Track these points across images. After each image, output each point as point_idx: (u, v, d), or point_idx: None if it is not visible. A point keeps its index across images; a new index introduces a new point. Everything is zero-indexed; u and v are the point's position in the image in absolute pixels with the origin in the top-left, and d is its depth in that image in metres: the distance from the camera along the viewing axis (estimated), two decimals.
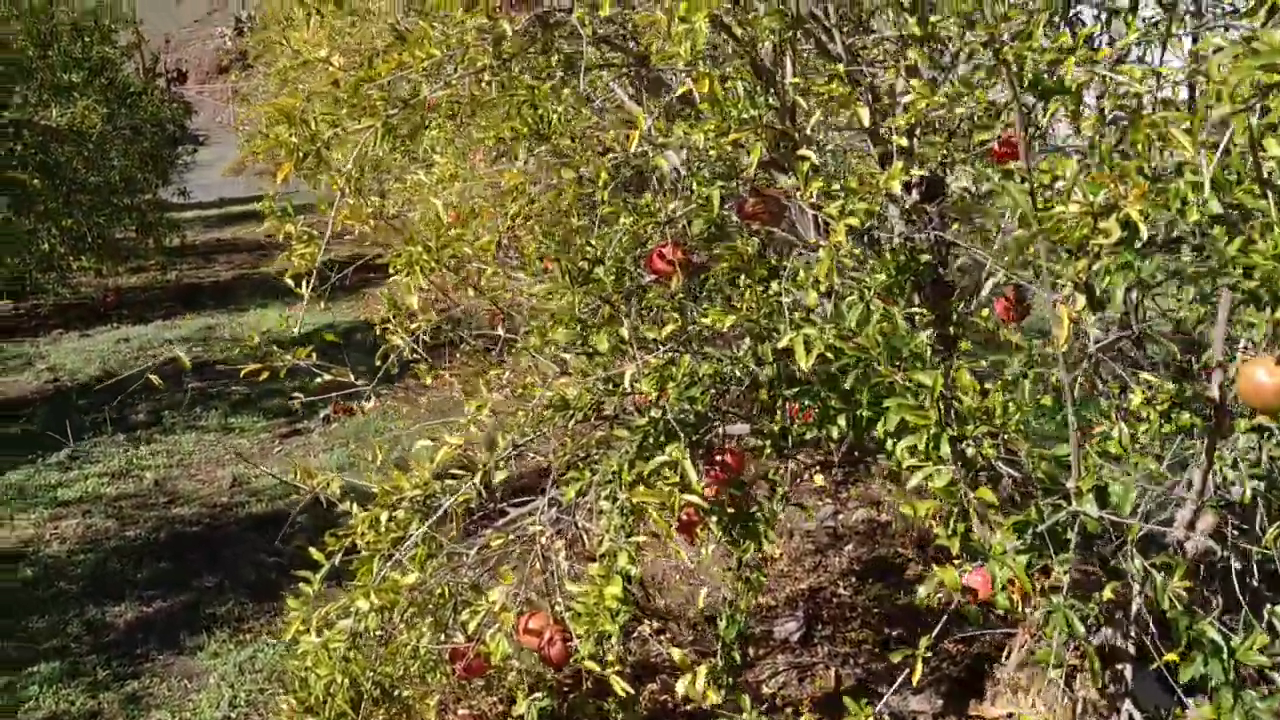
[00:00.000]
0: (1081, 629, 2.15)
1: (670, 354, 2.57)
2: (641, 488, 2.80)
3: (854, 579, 4.47)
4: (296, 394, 4.12)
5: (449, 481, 3.28)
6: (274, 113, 2.83)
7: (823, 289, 2.30)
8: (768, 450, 3.11)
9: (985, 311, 3.07)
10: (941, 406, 2.17)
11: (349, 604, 3.12)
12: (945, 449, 2.16)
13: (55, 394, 8.08)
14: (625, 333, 2.54)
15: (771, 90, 2.72)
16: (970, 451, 2.23)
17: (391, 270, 2.88)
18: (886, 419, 2.24)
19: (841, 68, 2.62)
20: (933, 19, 3.09)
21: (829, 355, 2.41)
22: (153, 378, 3.27)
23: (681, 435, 2.58)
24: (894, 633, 4.06)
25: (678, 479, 2.48)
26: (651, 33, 2.90)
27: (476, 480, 3.07)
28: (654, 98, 3.15)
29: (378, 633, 3.17)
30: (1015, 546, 2.23)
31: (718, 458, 2.80)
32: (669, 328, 2.51)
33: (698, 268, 2.99)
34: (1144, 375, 2.36)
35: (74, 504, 5.86)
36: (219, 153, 23.14)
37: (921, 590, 2.26)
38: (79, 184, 8.69)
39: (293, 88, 11.22)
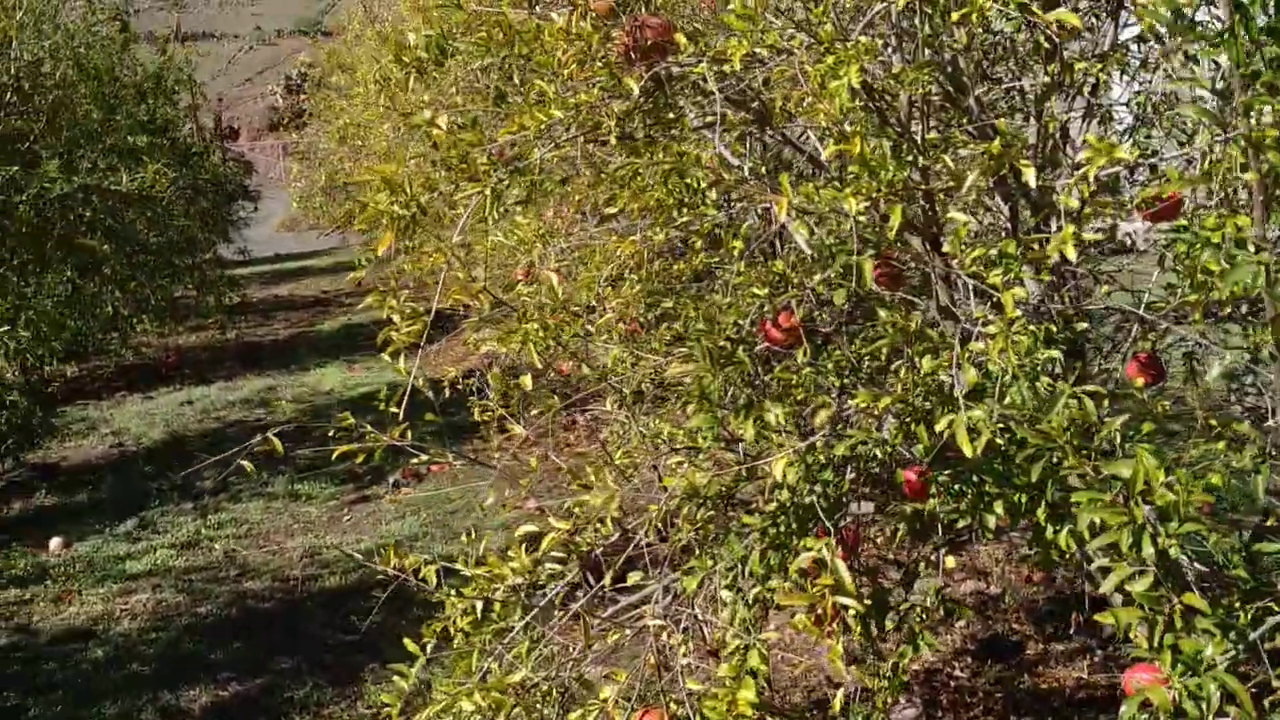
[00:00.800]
0: None
1: (823, 439, 2.34)
2: (784, 584, 2.57)
3: (970, 659, 4.18)
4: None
5: (552, 566, 3.04)
6: (376, 180, 2.64)
7: (996, 368, 2.07)
8: (901, 533, 2.88)
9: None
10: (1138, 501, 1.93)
11: (449, 703, 2.88)
12: (1148, 549, 1.91)
13: (120, 459, 7.97)
14: (773, 419, 2.31)
15: (910, 149, 2.51)
16: (1174, 552, 1.97)
17: (503, 349, 2.66)
18: (1078, 517, 1.99)
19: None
20: (1078, 64, 2.88)
21: (999, 441, 2.18)
22: (245, 463, 3.06)
23: (828, 526, 2.34)
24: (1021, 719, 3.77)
25: (830, 580, 2.24)
26: (779, 90, 2.71)
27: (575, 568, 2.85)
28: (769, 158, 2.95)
29: None
30: (1227, 657, 1.97)
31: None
32: (824, 413, 2.28)
33: (818, 337, 2.78)
34: None
35: (143, 577, 5.69)
36: (270, 208, 23.29)
37: (1124, 711, 2.00)
38: (142, 245, 8.63)
39: (352, 144, 11.21)
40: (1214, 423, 2.22)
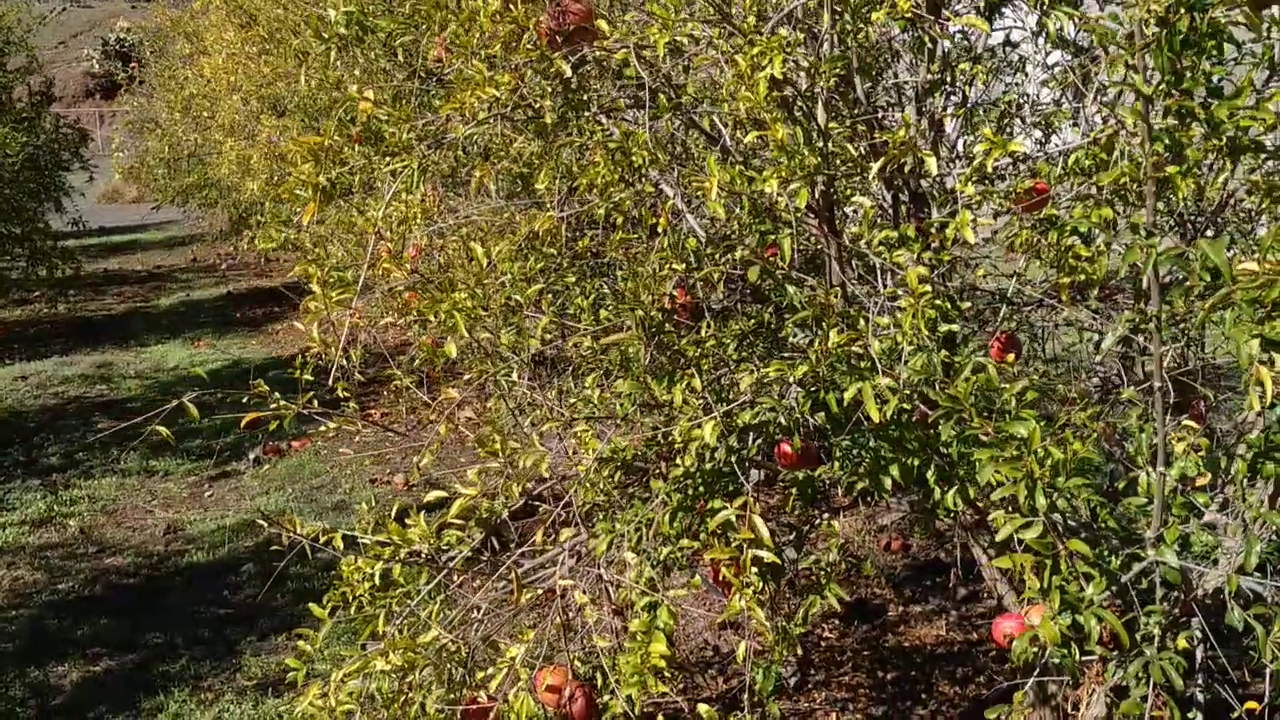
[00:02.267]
0: (1180, 682, 2.15)
1: (744, 405, 2.51)
2: (695, 543, 2.74)
3: (838, 621, 4.44)
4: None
5: (454, 533, 3.14)
6: (301, 150, 2.69)
7: (909, 340, 2.27)
8: (793, 499, 3.09)
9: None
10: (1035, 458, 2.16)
11: (363, 665, 2.95)
12: (1041, 501, 2.14)
13: None
14: (698, 384, 2.47)
15: (819, 136, 2.70)
16: (1061, 503, 2.22)
17: (431, 317, 2.72)
18: (979, 471, 2.22)
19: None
20: (960, 65, 3.12)
21: (905, 406, 2.39)
22: (162, 429, 3.03)
23: (745, 486, 2.52)
24: (888, 675, 4.04)
25: (749, 534, 2.41)
26: (691, 78, 2.86)
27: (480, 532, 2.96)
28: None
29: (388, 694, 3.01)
30: (1104, 597, 2.22)
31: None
32: (746, 379, 2.45)
33: (705, 313, 2.94)
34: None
35: None
36: (85, 179, 22.33)
37: (1017, 646, 2.23)
38: None
39: (197, 115, 10.90)
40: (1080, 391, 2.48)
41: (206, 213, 13.86)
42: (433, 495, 3.17)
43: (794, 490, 3.07)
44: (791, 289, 2.68)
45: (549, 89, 2.60)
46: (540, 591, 3.08)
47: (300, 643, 3.05)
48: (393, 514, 3.05)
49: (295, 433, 6.78)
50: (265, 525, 4.81)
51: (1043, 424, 2.25)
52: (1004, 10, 3.54)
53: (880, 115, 3.24)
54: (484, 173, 2.91)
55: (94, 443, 7.20)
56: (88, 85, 38.41)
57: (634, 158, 2.24)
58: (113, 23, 40.68)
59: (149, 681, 4.32)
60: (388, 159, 3.12)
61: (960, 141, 3.50)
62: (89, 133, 12.30)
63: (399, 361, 5.38)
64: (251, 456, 6.81)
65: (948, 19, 2.85)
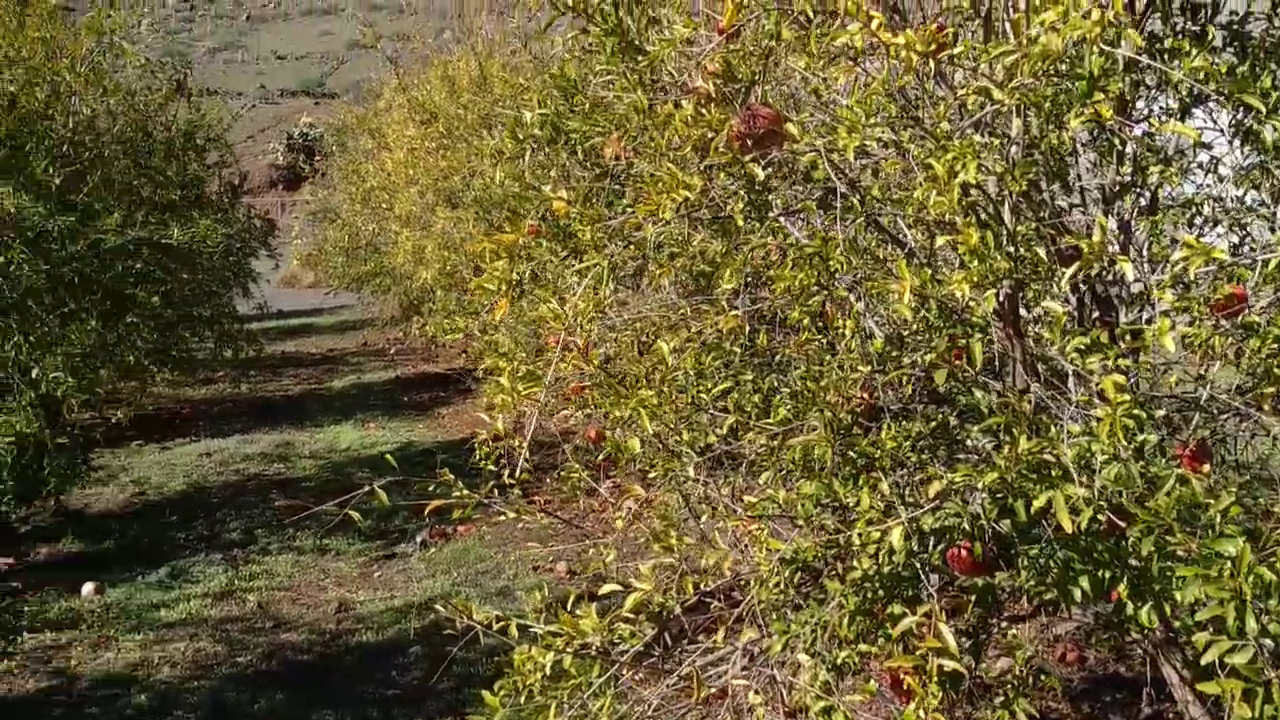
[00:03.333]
0: None
1: (931, 510, 2.47)
2: (874, 648, 2.69)
3: None
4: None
5: (625, 626, 3.14)
6: (495, 247, 2.79)
7: (1105, 449, 2.21)
8: (970, 605, 3.01)
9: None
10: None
11: None
12: (1252, 624, 2.04)
13: (143, 508, 8.02)
14: (885, 488, 2.45)
15: (1009, 240, 2.67)
16: (1273, 628, 2.11)
17: (615, 412, 2.77)
18: (1179, 589, 2.13)
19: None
20: (1153, 167, 3.07)
21: (1099, 519, 2.32)
22: (354, 514, 3.16)
23: (931, 592, 2.47)
24: None
25: (935, 642, 2.36)
26: (877, 182, 2.89)
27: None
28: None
29: None
30: None
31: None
32: (935, 485, 2.42)
33: (883, 414, 2.91)
34: None
35: (179, 625, 5.74)
36: (266, 265, 23.51)
37: None
38: (175, 298, 8.76)
39: (376, 206, 11.41)
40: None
41: (379, 299, 14.42)
42: (607, 588, 3.19)
43: (973, 596, 3.00)
44: (979, 393, 2.64)
45: (738, 191, 2.65)
46: (712, 690, 3.06)
47: None
48: (566, 604, 3.08)
49: (461, 517, 6.91)
50: (432, 609, 4.91)
51: (1248, 542, 2.16)
52: (1194, 110, 3.47)
53: (1063, 218, 3.21)
54: (665, 270, 2.98)
55: (272, 520, 7.50)
56: (271, 176, 40.51)
57: (831, 262, 2.26)
58: (297, 118, 43.06)
59: None
60: (572, 256, 3.22)
61: (1147, 244, 3.43)
62: (276, 223, 12.98)
63: (563, 451, 5.47)
64: (419, 540, 6.98)
65: (1143, 120, 2.81)
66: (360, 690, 5.00)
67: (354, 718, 4.74)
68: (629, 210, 2.98)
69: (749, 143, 2.73)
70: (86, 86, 6.57)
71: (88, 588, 6.21)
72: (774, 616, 3.04)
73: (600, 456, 3.33)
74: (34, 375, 6.15)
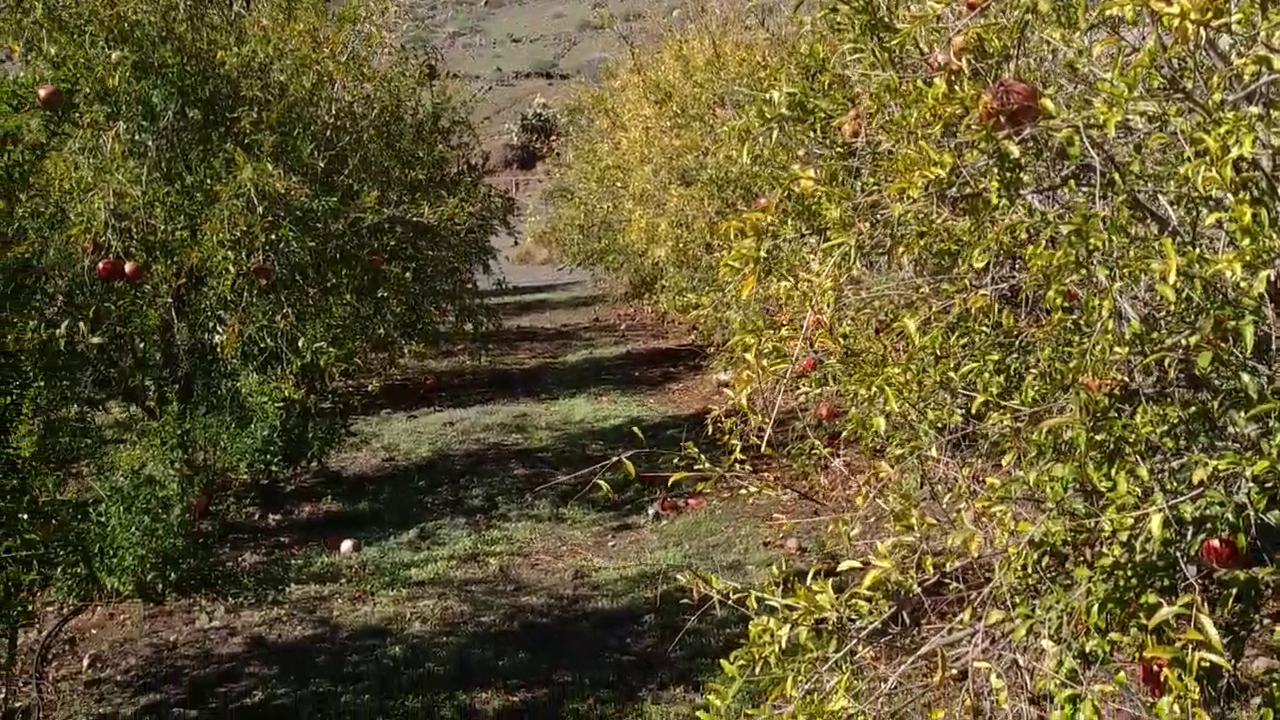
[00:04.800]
0: None
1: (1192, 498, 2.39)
2: (1125, 638, 2.61)
3: None
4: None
5: (863, 603, 3.13)
6: (743, 225, 2.83)
7: None
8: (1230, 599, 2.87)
9: None
10: None
11: None
12: None
13: (394, 473, 8.50)
14: (1144, 473, 2.38)
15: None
16: None
17: (862, 390, 2.78)
18: None
19: None
20: None
21: None
22: (601, 482, 3.28)
23: (1195, 584, 2.39)
24: None
25: (1196, 635, 2.27)
26: (1139, 157, 2.78)
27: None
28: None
29: None
30: None
31: None
32: (1199, 472, 2.33)
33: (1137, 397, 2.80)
34: None
35: (428, 584, 6.08)
36: (502, 242, 24.32)
37: None
38: (423, 273, 9.21)
39: (611, 184, 11.65)
40: None
41: (611, 276, 14.73)
42: (845, 565, 3.20)
43: (1232, 590, 2.87)
44: (1247, 377, 2.52)
45: (990, 168, 2.61)
46: (952, 671, 3.04)
47: (710, 697, 3.16)
48: (800, 579, 3.12)
49: (692, 491, 7.04)
50: (665, 579, 4.99)
51: None
52: None
53: None
54: (911, 247, 2.95)
55: (512, 488, 7.82)
56: (506, 156, 41.77)
57: (1091, 240, 2.21)
58: (531, 99, 44.25)
59: (559, 716, 4.61)
60: (815, 235, 3.23)
61: None
62: (516, 201, 13.44)
63: (793, 428, 5.48)
64: (651, 512, 7.14)
65: None
66: (596, 654, 5.17)
67: (591, 680, 4.92)
68: (876, 189, 2.97)
69: (1002, 119, 2.68)
70: (347, 74, 6.98)
71: (346, 545, 6.64)
72: (1017, 600, 2.99)
73: (831, 434, 3.35)
74: (299, 345, 6.60)
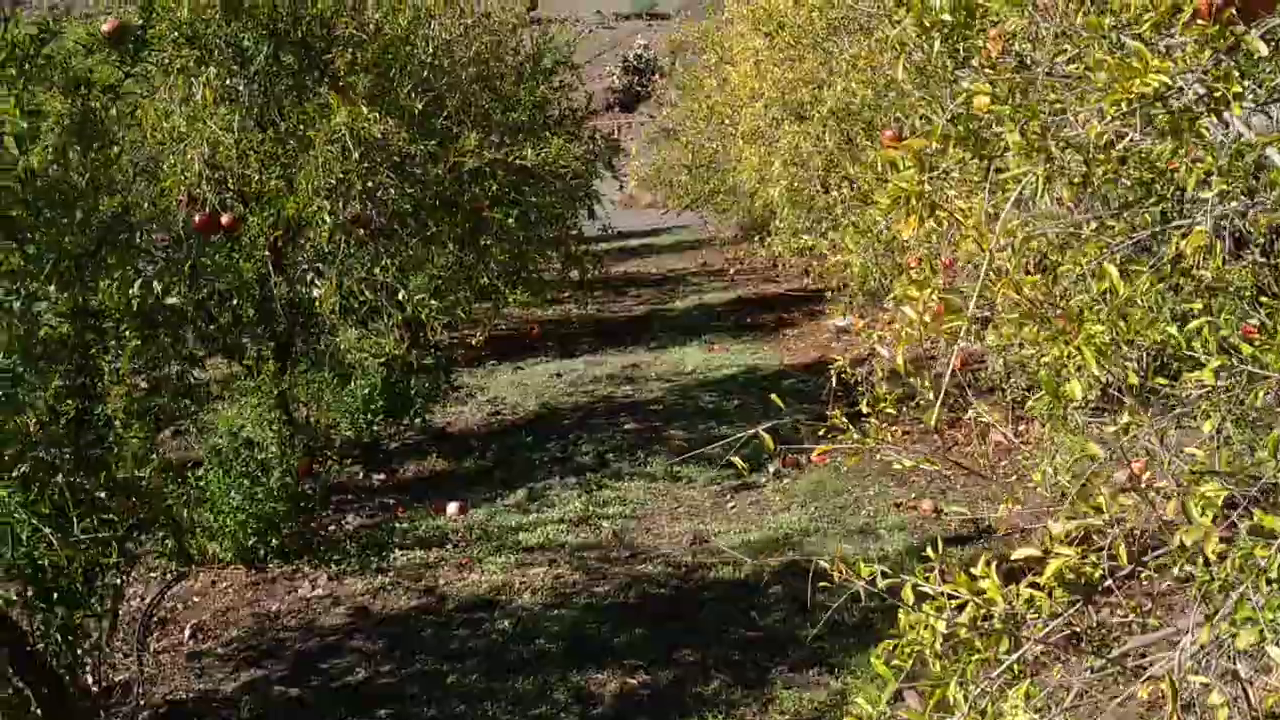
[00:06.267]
0: None
1: None
2: None
3: None
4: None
5: (1039, 595, 2.67)
6: (907, 154, 2.37)
7: None
8: None
9: None
10: None
11: None
12: None
13: (500, 428, 8.20)
14: None
15: None
16: None
17: (1055, 350, 2.31)
18: None
19: None
20: None
21: None
22: (763, 434, 2.88)
23: None
24: None
25: None
26: None
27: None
28: None
29: None
30: None
31: None
32: None
33: None
34: None
35: (537, 550, 5.75)
36: (607, 186, 23.88)
37: None
38: (522, 221, 8.85)
39: (720, 121, 11.13)
40: None
41: (719, 218, 14.23)
42: (1022, 553, 2.73)
43: None
44: None
45: (1222, 74, 2.10)
46: (1158, 682, 2.57)
47: (860, 701, 2.74)
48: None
49: (814, 446, 6.58)
50: (789, 545, 4.47)
51: None
52: None
53: None
54: (1111, 173, 2.45)
55: (623, 444, 7.46)
56: (608, 99, 41.19)
57: None
58: (632, 40, 43.56)
59: (682, 701, 4.24)
60: (984, 163, 2.76)
61: None
62: (620, 143, 12.98)
63: (921, 377, 4.99)
64: (771, 469, 6.71)
65: None
66: (720, 630, 4.79)
67: (716, 659, 4.53)
68: (1062, 108, 2.48)
69: (1235, 12, 2.17)
70: (446, 7, 6.60)
71: (452, 507, 6.35)
72: (1235, 598, 2.51)
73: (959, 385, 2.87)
74: (400, 298, 6.29)
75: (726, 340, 10.81)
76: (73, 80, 3.68)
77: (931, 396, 2.99)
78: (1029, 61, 2.81)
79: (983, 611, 2.61)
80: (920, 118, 4.68)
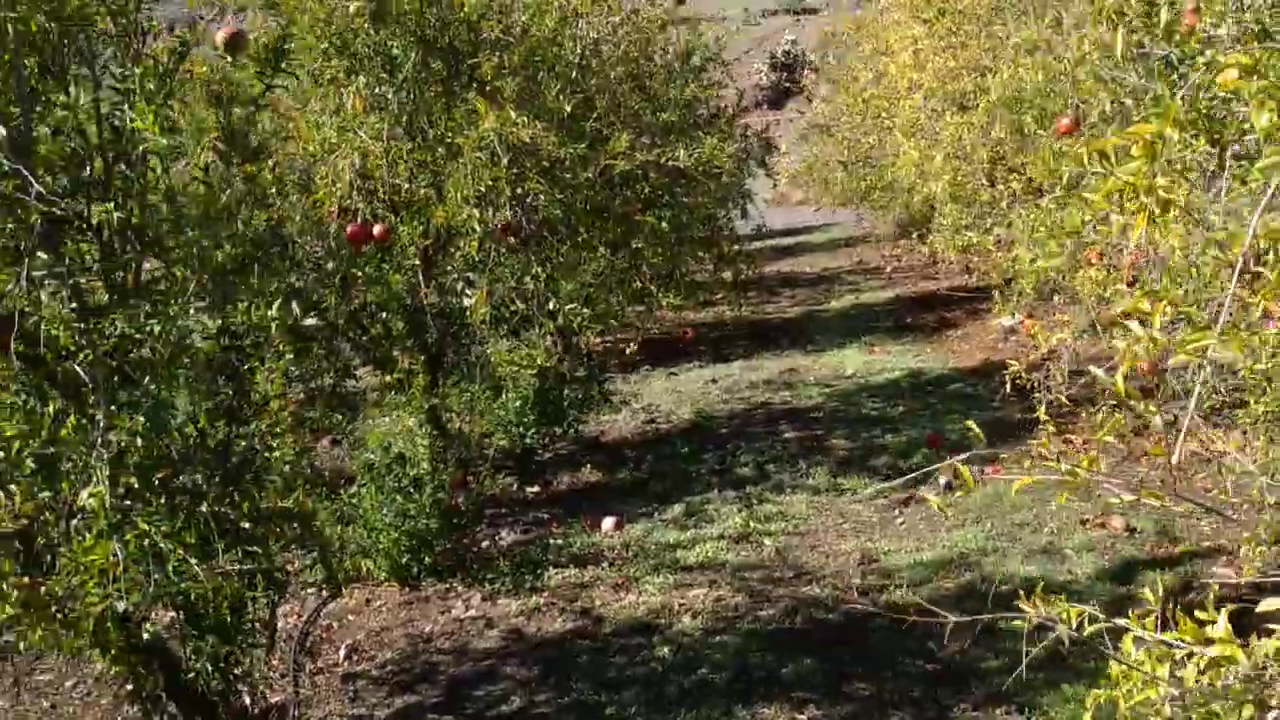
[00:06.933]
0: None
1: None
2: None
3: None
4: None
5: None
6: (1137, 143, 2.02)
7: None
8: None
9: None
10: None
11: None
12: None
13: (654, 437, 7.97)
14: None
15: None
16: None
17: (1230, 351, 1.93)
18: None
19: None
20: None
21: None
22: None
23: None
24: None
25: None
26: None
27: None
28: None
29: None
30: None
31: None
32: None
33: None
34: None
35: (697, 569, 5.48)
36: (759, 184, 23.46)
37: None
38: (674, 222, 8.60)
39: (876, 115, 10.70)
40: None
41: (876, 215, 13.76)
42: (1268, 604, 2.35)
43: None
44: None
45: None
46: None
47: None
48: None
49: (989, 456, 6.16)
50: (966, 566, 4.06)
51: None
52: None
53: None
54: None
55: (783, 454, 7.14)
56: (757, 97, 40.79)
57: None
58: (778, 37, 43.06)
59: None
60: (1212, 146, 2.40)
61: None
62: (773, 141, 12.63)
63: (1099, 381, 4.55)
64: (942, 481, 6.30)
65: None
66: (894, 660, 4.45)
67: (892, 693, 4.20)
68: None
69: None
70: (593, 6, 6.39)
71: (608, 523, 6.14)
72: None
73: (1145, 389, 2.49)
74: (552, 307, 6.12)
75: (887, 342, 10.38)
76: (214, 94, 3.56)
77: (1155, 420, 2.61)
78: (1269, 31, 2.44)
79: (1223, 670, 2.25)
80: (1112, 102, 4.27)
